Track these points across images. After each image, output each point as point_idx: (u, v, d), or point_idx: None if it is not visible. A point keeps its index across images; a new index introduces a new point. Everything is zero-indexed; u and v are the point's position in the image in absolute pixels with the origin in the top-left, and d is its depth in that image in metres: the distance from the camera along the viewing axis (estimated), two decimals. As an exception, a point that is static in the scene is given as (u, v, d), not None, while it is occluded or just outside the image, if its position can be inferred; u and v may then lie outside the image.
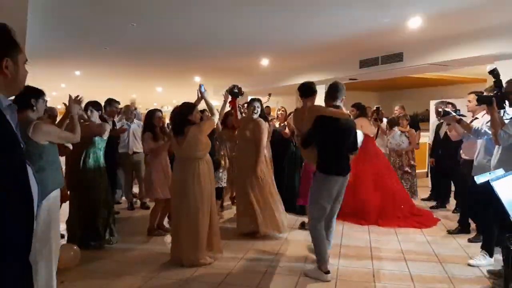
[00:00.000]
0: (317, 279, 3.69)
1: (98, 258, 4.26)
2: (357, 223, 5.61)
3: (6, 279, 1.24)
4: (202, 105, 4.49)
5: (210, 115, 4.36)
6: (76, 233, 4.52)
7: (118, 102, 6.07)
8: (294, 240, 4.94)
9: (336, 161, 3.71)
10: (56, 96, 14.31)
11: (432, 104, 6.98)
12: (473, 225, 4.98)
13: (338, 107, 3.77)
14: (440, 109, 4.22)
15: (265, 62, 7.86)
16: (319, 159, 3.72)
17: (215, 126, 4.49)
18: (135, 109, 7.13)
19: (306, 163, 5.31)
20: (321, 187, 3.69)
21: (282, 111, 7.26)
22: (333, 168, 3.69)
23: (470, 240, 4.78)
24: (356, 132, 3.93)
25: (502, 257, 2.54)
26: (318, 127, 3.61)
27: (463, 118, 4.24)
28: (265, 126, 4.93)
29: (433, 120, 6.91)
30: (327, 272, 3.70)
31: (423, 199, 7.02)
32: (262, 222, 4.81)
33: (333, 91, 3.76)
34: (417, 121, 8.05)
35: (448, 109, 4.42)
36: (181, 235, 4.06)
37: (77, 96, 3.83)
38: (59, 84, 11.90)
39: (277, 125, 6.95)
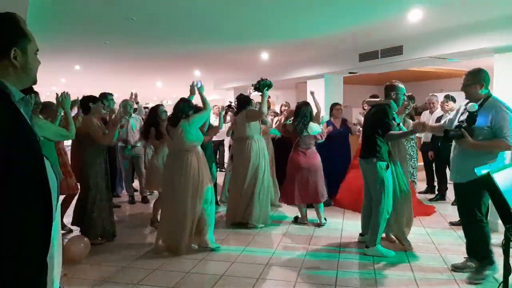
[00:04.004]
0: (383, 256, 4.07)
1: (100, 251, 4.29)
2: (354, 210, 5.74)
3: (23, 279, 1.20)
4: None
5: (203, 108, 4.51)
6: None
7: (112, 94, 6.06)
8: (294, 233, 4.98)
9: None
10: (56, 90, 14.27)
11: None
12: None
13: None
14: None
15: (265, 55, 7.84)
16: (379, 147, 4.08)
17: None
18: (137, 103, 7.11)
19: (290, 159, 5.26)
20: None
21: (285, 106, 7.28)
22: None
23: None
24: None
25: (502, 247, 2.56)
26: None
27: None
28: None
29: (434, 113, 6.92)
30: None
31: (420, 192, 7.04)
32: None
33: None
34: (415, 114, 8.06)
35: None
36: (169, 224, 4.23)
37: (64, 92, 3.95)
38: (59, 79, 11.86)
39: (276, 119, 6.99)
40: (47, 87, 13.61)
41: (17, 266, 1.18)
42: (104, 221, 4.56)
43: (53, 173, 1.36)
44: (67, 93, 3.94)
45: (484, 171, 2.56)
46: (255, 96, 5.79)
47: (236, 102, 5.58)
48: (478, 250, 3.56)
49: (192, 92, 4.65)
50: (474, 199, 3.44)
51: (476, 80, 3.38)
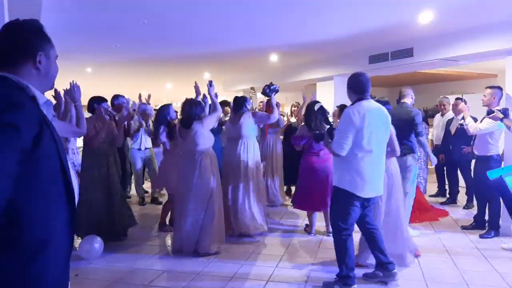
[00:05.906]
0: None
1: (110, 252, 4.31)
2: None
3: (50, 275, 1.25)
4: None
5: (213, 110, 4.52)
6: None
7: (124, 97, 6.10)
8: (303, 236, 4.97)
9: None
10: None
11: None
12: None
13: None
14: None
15: (274, 58, 7.85)
16: None
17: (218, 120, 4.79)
18: (149, 104, 7.15)
19: (304, 160, 4.92)
20: None
21: (295, 106, 7.30)
22: None
23: (481, 236, 4.77)
24: None
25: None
26: None
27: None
28: None
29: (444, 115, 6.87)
30: None
31: (431, 195, 6.99)
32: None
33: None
34: (426, 117, 7.99)
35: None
36: (190, 226, 4.20)
37: (72, 82, 3.95)
38: (70, 81, 12.00)
39: (293, 120, 7.03)
40: (59, 89, 13.77)
41: (47, 263, 1.23)
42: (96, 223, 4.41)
43: (75, 176, 1.41)
44: (77, 84, 3.87)
45: (496, 175, 2.54)
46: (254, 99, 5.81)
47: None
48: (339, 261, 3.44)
49: (198, 93, 4.72)
50: (339, 205, 3.38)
51: (348, 85, 3.45)
